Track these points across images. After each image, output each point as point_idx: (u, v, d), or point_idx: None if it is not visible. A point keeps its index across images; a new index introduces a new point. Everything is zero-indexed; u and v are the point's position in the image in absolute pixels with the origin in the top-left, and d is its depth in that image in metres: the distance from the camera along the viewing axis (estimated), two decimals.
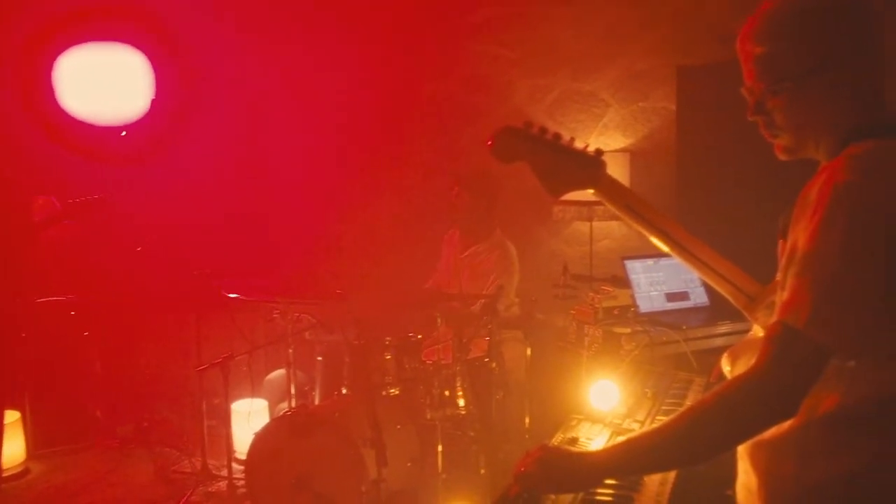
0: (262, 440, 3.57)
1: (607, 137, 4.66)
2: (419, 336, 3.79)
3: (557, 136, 1.64)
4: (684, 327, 2.74)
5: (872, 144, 1.38)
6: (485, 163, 4.85)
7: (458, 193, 4.20)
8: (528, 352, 3.80)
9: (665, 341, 2.68)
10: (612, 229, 4.70)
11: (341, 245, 5.16)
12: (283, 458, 3.48)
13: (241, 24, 5.17)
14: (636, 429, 1.99)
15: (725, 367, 1.77)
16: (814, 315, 1.28)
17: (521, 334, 3.92)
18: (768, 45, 1.45)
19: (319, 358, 4.22)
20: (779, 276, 1.59)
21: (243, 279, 4.20)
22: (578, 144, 1.64)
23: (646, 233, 1.67)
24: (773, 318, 1.36)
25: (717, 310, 3.08)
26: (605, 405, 2.01)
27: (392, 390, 3.68)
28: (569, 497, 1.58)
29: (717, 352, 2.78)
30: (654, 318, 2.90)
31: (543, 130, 1.65)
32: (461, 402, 3.61)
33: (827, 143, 1.48)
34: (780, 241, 1.64)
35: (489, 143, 1.68)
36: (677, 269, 3.16)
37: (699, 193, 4.16)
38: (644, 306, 2.97)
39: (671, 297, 3.08)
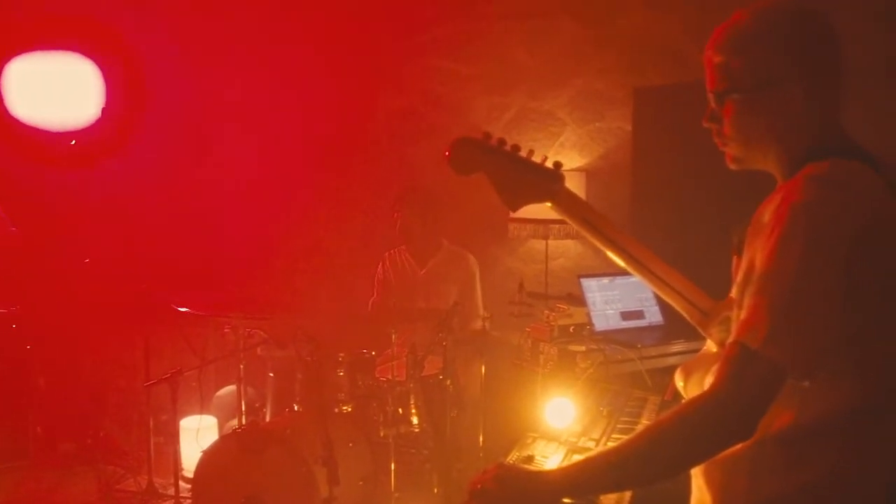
0: (211, 458, 3.48)
1: (564, 156, 4.68)
2: (373, 353, 3.76)
3: (516, 148, 1.64)
4: (639, 346, 2.75)
5: (829, 165, 1.39)
6: (442, 179, 4.90)
7: (404, 215, 4.23)
8: (483, 369, 3.79)
9: (620, 360, 2.69)
10: (567, 248, 4.72)
11: (293, 259, 5.10)
12: (233, 477, 3.40)
13: (192, 34, 5.10)
14: (592, 447, 1.98)
15: (679, 382, 1.78)
16: (771, 335, 1.28)
17: (476, 352, 3.92)
18: (726, 56, 1.48)
19: (271, 374, 4.16)
20: (734, 293, 1.61)
21: (194, 292, 4.12)
22: (536, 158, 1.64)
23: (603, 247, 1.68)
24: (731, 338, 1.36)
25: (672, 328, 3.10)
26: (561, 423, 2.00)
27: (345, 407, 3.63)
28: None
29: (672, 370, 2.80)
30: (610, 337, 2.91)
31: (502, 142, 1.65)
32: (415, 420, 3.58)
33: (779, 160, 1.50)
34: (735, 257, 1.66)
35: (447, 153, 1.66)
36: (633, 288, 3.17)
37: (654, 213, 4.21)
38: (599, 325, 2.97)
39: (626, 315, 3.09)
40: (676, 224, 4.11)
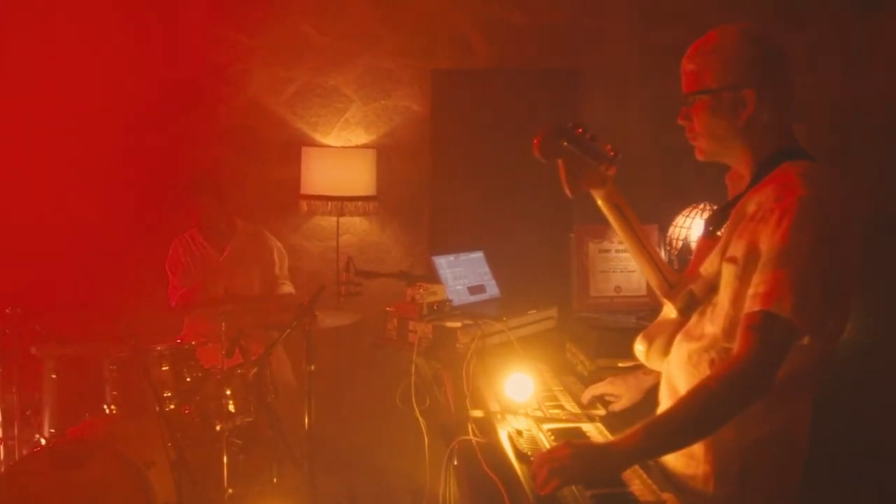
0: (11, 482, 2.99)
1: (349, 133, 4.70)
2: (192, 343, 3.49)
3: (594, 137, 1.73)
4: (504, 318, 2.91)
5: (808, 164, 1.69)
6: (221, 154, 4.62)
7: (202, 204, 4.03)
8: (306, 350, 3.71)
9: (492, 332, 2.83)
10: (353, 224, 4.75)
11: (54, 244, 4.43)
12: (43, 501, 2.96)
13: None
14: (541, 415, 2.12)
15: (639, 347, 1.99)
16: (796, 304, 1.53)
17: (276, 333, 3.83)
18: (696, 64, 1.76)
19: (53, 375, 3.63)
20: (703, 269, 1.86)
21: None
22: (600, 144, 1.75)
23: (618, 226, 1.85)
24: (753, 307, 1.58)
25: (507, 299, 3.33)
26: (521, 397, 2.10)
27: (171, 405, 3.32)
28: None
29: (532, 338, 3.04)
30: (466, 311, 3.03)
31: (585, 130, 1.73)
32: (232, 409, 3.39)
33: (744, 156, 1.78)
34: (702, 238, 1.92)
35: (536, 141, 1.72)
36: (473, 264, 3.33)
37: (454, 189, 4.43)
38: (455, 300, 3.09)
39: (472, 290, 3.24)
40: (474, 199, 4.40)
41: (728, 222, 1.78)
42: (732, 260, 1.70)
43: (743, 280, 1.66)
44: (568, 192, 1.80)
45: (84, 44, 4.48)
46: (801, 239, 1.56)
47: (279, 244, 4.26)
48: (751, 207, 1.71)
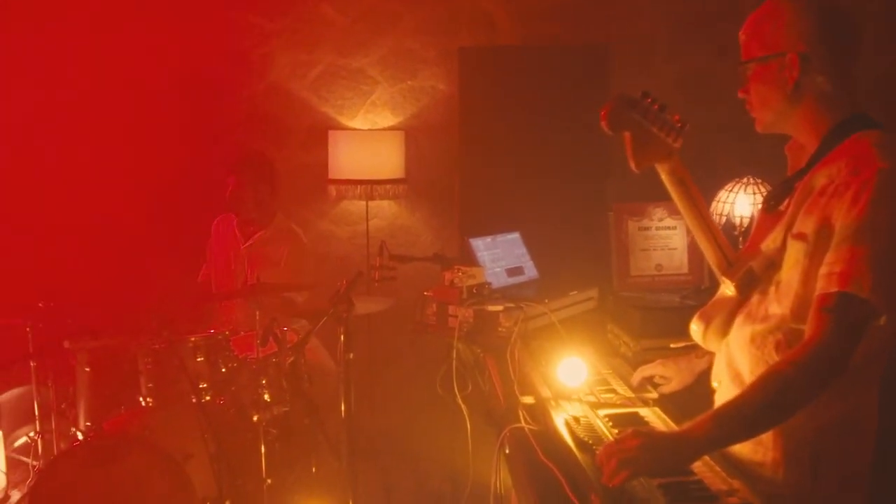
0: (50, 477, 2.97)
1: (375, 115, 4.61)
2: (226, 332, 3.43)
3: (663, 108, 1.66)
4: (546, 300, 2.84)
5: (882, 134, 1.59)
6: (243, 141, 4.55)
7: (237, 183, 3.88)
8: (342, 338, 3.65)
9: (535, 315, 2.75)
10: (381, 208, 4.68)
11: (78, 238, 4.40)
12: (82, 495, 2.93)
13: None
14: (593, 400, 2.04)
15: (696, 327, 1.90)
16: (876, 284, 1.45)
17: (306, 322, 3.77)
18: (747, 35, 1.71)
19: (87, 369, 3.60)
20: (764, 246, 1.76)
21: None
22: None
23: (680, 201, 1.78)
24: (830, 287, 1.49)
25: (545, 282, 3.25)
26: (574, 382, 2.03)
27: (206, 396, 3.28)
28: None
29: (572, 320, 2.96)
30: (506, 294, 2.95)
31: (654, 100, 1.66)
32: (276, 399, 3.34)
33: (803, 126, 1.69)
34: (762, 213, 1.82)
35: (603, 112, 1.66)
36: (510, 245, 3.25)
37: (481, 169, 4.35)
38: (494, 283, 3.01)
39: (510, 272, 3.17)
40: (505, 179, 4.31)
41: (793, 197, 1.68)
42: (801, 237, 1.60)
43: (814, 258, 1.57)
44: (633, 165, 1.72)
45: (102, 35, 4.42)
46: (881, 214, 1.47)
47: (299, 250, 4.01)
48: (820, 181, 1.61)
